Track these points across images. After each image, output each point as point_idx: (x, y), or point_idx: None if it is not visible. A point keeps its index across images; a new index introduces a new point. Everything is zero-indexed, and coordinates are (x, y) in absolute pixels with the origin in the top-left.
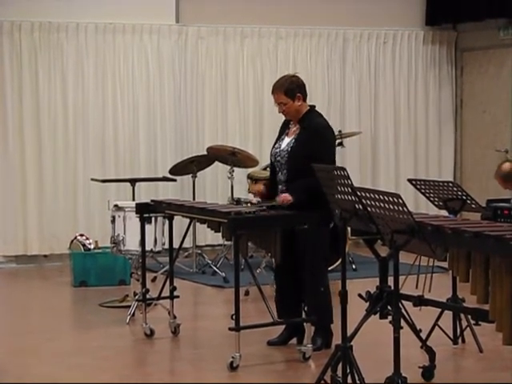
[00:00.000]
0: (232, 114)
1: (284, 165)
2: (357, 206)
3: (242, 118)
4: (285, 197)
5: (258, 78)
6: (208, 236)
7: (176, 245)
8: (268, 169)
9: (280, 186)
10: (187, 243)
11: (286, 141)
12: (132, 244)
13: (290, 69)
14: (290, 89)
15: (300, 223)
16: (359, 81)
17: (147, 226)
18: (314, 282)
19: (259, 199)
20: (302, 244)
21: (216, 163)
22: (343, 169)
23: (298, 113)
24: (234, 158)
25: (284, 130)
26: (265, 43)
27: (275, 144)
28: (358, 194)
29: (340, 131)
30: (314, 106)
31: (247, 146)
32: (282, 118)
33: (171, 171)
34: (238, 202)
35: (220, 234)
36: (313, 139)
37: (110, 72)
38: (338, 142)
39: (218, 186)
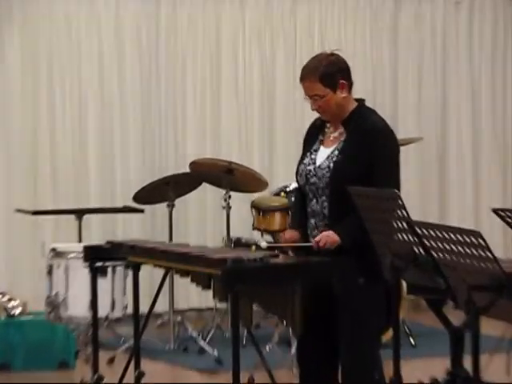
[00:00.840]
0: (228, 113)
1: (323, 189)
2: (416, 249)
3: (243, 118)
4: (328, 236)
5: (266, 60)
6: (192, 295)
7: (144, 309)
8: (282, 194)
9: (313, 221)
10: (161, 306)
11: (324, 152)
12: (78, 308)
13: (315, 46)
14: (328, 74)
15: (335, 275)
16: (418, 62)
17: (101, 281)
18: (361, 369)
19: (271, 241)
20: (341, 309)
21: (204, 185)
22: (395, 194)
23: (341, 109)
24: (230, 177)
25: (315, 137)
26: (276, 7)
27: (304, 158)
28: (418, 231)
29: None
30: (364, 100)
31: (251, 159)
32: (304, 118)
33: (137, 198)
34: (238, 243)
35: (210, 293)
36: (369, 148)
37: (43, 55)
38: None
39: (208, 220)
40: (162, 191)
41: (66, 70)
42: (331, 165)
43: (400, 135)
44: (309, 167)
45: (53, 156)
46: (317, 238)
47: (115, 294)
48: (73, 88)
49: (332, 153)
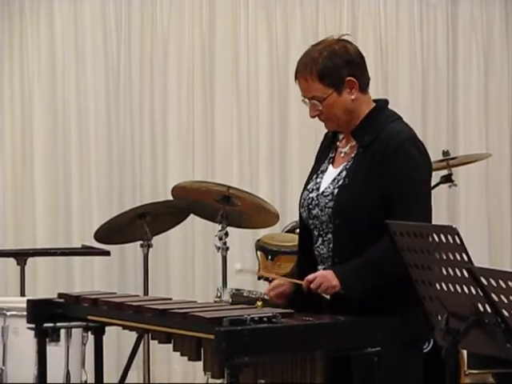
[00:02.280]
0: (224, 121)
1: (327, 223)
2: (480, 306)
3: (245, 129)
4: (325, 277)
5: (275, 48)
6: (175, 368)
7: None
8: (297, 231)
9: (321, 268)
10: (133, 382)
11: (330, 175)
12: (20, 382)
13: (331, 28)
14: (330, 68)
15: (363, 343)
16: (484, 56)
17: (51, 349)
18: None
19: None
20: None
21: (191, 218)
22: (453, 230)
23: (351, 116)
24: (228, 207)
25: (326, 154)
26: None
27: (309, 182)
28: (484, 282)
29: (446, 152)
30: (386, 102)
31: (255, 184)
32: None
33: (99, 236)
34: (238, 297)
35: (200, 366)
36: (385, 168)
37: None
38: (443, 174)
39: (196, 265)
40: (135, 226)
41: (6, 76)
42: (335, 191)
43: (458, 151)
44: (311, 194)
45: None
46: (310, 277)
47: (70, 365)
48: (14, 97)
49: (339, 175)
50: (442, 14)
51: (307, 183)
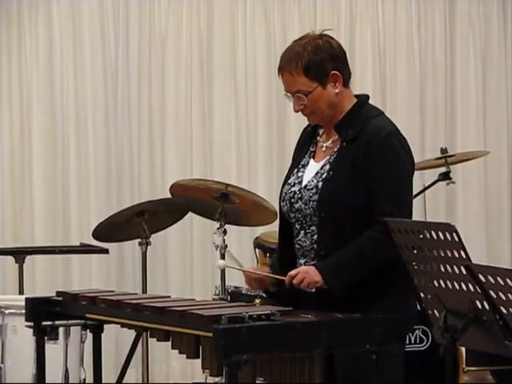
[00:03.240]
0: (222, 117)
1: (311, 216)
2: (478, 303)
3: (243, 127)
4: (307, 273)
5: (273, 43)
6: (174, 366)
7: (109, 382)
8: None
9: (302, 261)
10: (131, 381)
11: (312, 169)
12: (19, 380)
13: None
14: (315, 62)
15: (361, 340)
16: (482, 54)
17: (50, 347)
18: None
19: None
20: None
21: (190, 216)
22: (451, 227)
23: (334, 110)
24: (226, 204)
25: (306, 148)
26: None
27: (289, 176)
28: (481, 278)
29: (444, 150)
30: (366, 97)
31: (254, 181)
32: None
33: (98, 234)
34: (236, 295)
35: (198, 364)
36: (367, 162)
37: None
38: (441, 171)
39: (195, 263)
40: (133, 224)
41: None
42: (319, 184)
43: (456, 148)
44: (293, 188)
45: None
46: (292, 272)
47: (69, 363)
48: (12, 93)
49: (322, 168)
50: (439, 12)
51: (288, 177)
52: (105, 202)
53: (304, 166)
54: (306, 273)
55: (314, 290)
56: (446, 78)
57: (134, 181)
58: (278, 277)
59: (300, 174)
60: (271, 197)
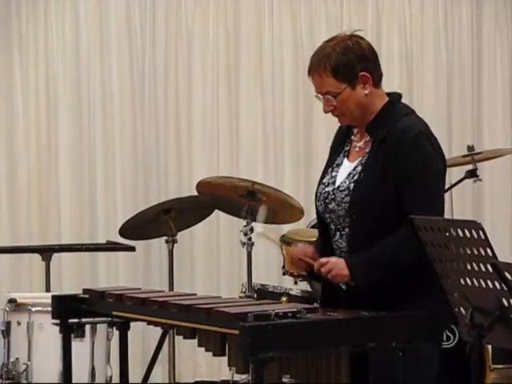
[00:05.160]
0: (249, 116)
1: (344, 218)
2: (505, 301)
3: (270, 125)
4: (336, 264)
5: (300, 42)
6: (201, 363)
7: (135, 381)
8: None
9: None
10: (158, 378)
11: (346, 169)
12: (45, 378)
13: (356, 26)
14: (344, 63)
15: (387, 338)
16: (508, 52)
17: (76, 344)
18: None
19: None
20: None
21: (216, 214)
22: (477, 225)
23: (364, 111)
24: (253, 202)
25: (341, 148)
26: None
27: (324, 175)
28: (509, 277)
29: (471, 147)
30: (399, 96)
31: (280, 179)
32: None
33: (124, 231)
34: (262, 292)
35: (225, 361)
36: (401, 163)
37: None
38: (468, 169)
39: (221, 261)
40: (160, 222)
41: (28, 66)
42: (351, 186)
43: (484, 145)
44: (327, 188)
45: (11, 178)
46: (323, 260)
47: (95, 361)
48: (38, 90)
49: (354, 169)
50: (466, 8)
51: (322, 177)
52: (131, 200)
53: (338, 166)
54: (336, 264)
55: (344, 287)
56: (472, 76)
57: (160, 178)
58: (309, 260)
59: (334, 174)
60: (297, 194)
